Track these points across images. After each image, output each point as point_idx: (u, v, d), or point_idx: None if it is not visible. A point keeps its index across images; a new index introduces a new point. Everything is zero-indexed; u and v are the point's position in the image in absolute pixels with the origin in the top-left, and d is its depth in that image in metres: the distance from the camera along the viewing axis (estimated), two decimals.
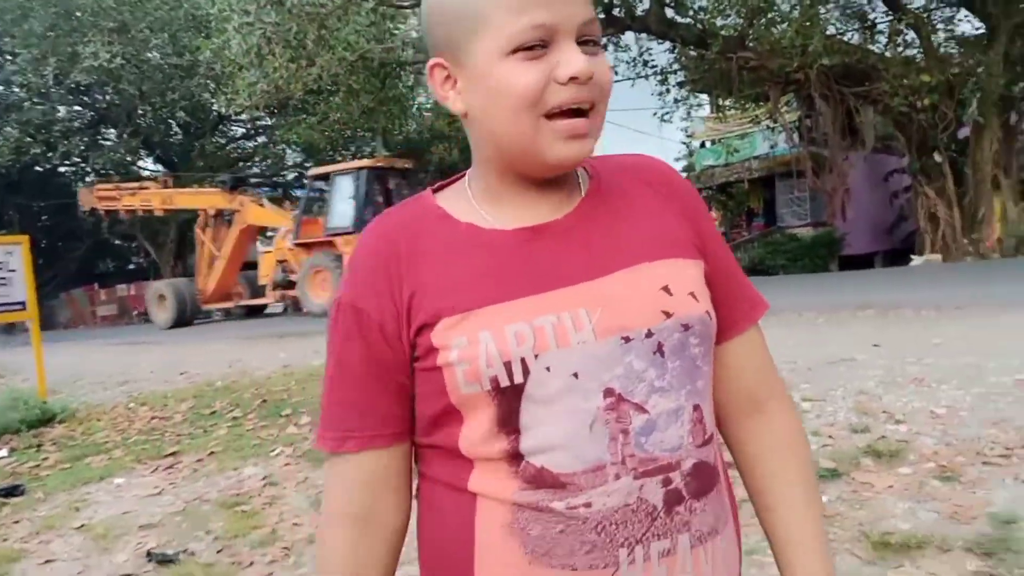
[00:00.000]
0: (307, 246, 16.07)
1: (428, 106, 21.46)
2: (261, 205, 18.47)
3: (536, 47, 0.76)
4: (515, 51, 0.76)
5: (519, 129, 0.78)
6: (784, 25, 14.23)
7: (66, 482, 4.64)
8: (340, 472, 0.87)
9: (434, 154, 28.03)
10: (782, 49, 13.61)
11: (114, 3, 20.17)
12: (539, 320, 0.78)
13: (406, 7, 14.85)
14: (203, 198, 19.09)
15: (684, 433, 0.81)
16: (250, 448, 4.91)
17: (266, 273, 17.57)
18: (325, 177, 16.46)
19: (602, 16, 14.83)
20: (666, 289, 0.83)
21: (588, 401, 0.78)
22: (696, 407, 0.83)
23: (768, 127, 18.53)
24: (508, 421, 0.78)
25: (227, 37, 14.03)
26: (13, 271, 6.70)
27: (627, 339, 0.79)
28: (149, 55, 21.09)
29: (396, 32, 15.65)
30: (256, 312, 19.02)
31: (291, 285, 16.53)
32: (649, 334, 0.80)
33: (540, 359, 0.77)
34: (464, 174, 0.91)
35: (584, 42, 0.79)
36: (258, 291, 18.43)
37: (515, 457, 0.78)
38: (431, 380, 0.81)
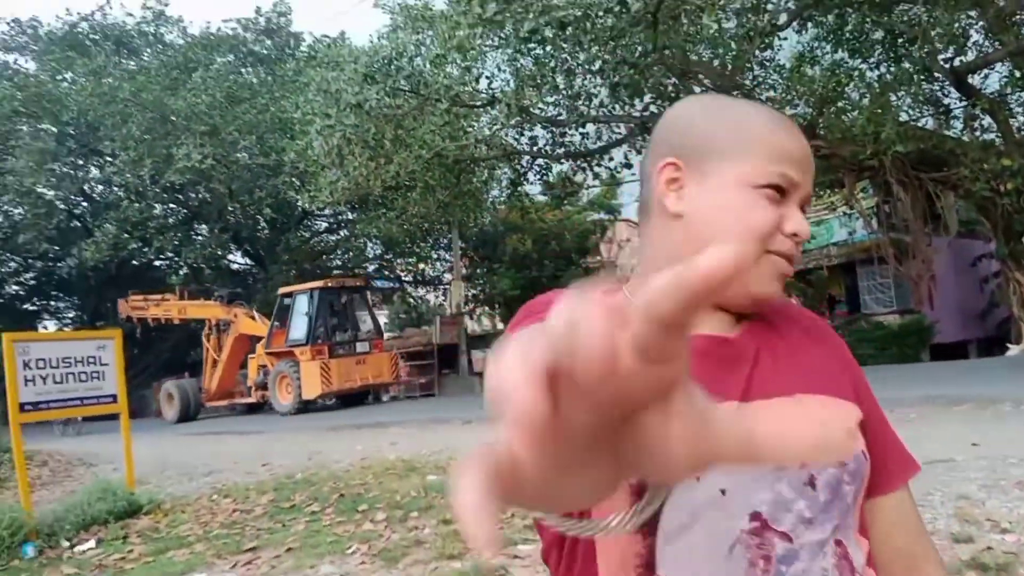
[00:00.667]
0: (277, 354, 18.56)
1: (502, 199, 21.97)
2: (252, 317, 20.62)
3: (778, 192, 0.85)
4: (763, 187, 0.84)
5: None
6: (855, 113, 14.21)
7: (149, 575, 4.77)
8: None
9: (509, 244, 28.59)
10: (854, 137, 13.56)
11: (206, 108, 21.52)
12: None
13: (478, 107, 15.44)
14: (207, 310, 21.54)
15: (828, 567, 0.78)
16: (326, 545, 4.97)
17: (252, 375, 19.88)
18: (291, 295, 19.04)
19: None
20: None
21: (732, 521, 0.76)
22: (839, 542, 0.81)
23: (845, 213, 18.30)
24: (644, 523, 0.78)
25: (310, 139, 14.80)
26: (106, 365, 6.99)
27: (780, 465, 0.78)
28: (238, 156, 22.29)
29: (469, 130, 16.24)
30: (256, 408, 20.40)
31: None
32: (803, 464, 0.80)
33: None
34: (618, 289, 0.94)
35: (803, 205, 0.88)
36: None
37: (648, 568, 0.76)
38: None
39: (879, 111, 13.45)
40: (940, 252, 16.81)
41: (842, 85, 14.28)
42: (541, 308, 0.85)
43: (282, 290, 20.09)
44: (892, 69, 15.04)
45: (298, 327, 18.40)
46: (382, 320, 41.12)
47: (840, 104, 14.47)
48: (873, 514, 0.91)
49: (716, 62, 14.86)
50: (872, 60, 15.31)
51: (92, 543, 5.80)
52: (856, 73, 14.64)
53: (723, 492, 0.77)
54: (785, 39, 15.41)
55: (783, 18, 14.31)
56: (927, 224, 16.28)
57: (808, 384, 0.86)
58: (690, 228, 0.86)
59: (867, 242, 18.12)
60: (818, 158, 14.83)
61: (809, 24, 15.11)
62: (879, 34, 15.20)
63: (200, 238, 27.47)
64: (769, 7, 13.84)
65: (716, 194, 0.85)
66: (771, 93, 15.42)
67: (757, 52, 14.73)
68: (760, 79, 15.63)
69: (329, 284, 19.21)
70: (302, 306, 18.53)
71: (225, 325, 21.12)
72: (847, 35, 15.18)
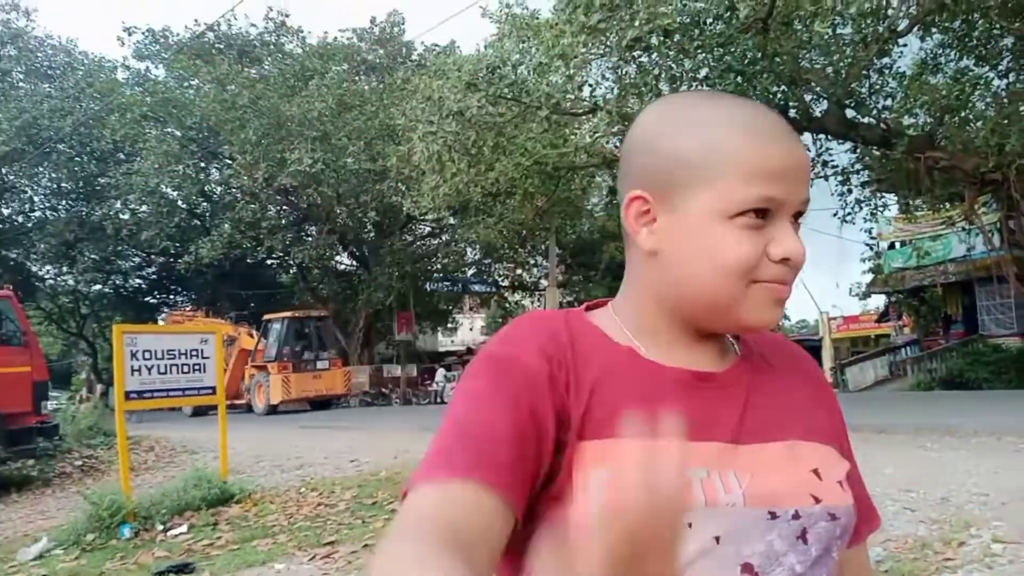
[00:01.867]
0: (258, 367, 23.60)
1: (600, 207, 21.84)
2: (251, 335, 25.30)
3: (759, 218, 0.75)
4: (737, 216, 0.75)
5: (725, 291, 0.76)
6: (978, 123, 13.42)
7: (232, 563, 4.94)
8: (433, 496, 0.68)
9: (606, 252, 28.37)
10: (976, 148, 12.80)
11: (317, 115, 22.29)
12: (689, 471, 0.72)
13: (579, 114, 15.39)
14: (218, 327, 24.21)
15: None
16: None
17: (246, 383, 24.21)
18: (270, 321, 24.28)
19: None
20: (816, 472, 0.79)
21: (723, 571, 0.73)
22: None
23: (964, 229, 17.31)
24: None
25: (412, 145, 15.09)
26: (207, 358, 7.32)
27: (774, 515, 0.75)
28: (347, 161, 22.94)
29: (570, 138, 16.22)
30: (250, 409, 23.89)
31: None
32: (796, 516, 0.76)
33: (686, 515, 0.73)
34: (606, 302, 0.89)
35: (798, 215, 0.79)
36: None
37: None
38: (553, 509, 0.73)
39: (1005, 122, 12.66)
40: None
41: (966, 94, 13.49)
42: (522, 341, 0.79)
43: (265, 317, 25.03)
44: (1021, 78, 14.13)
45: (272, 346, 23.60)
46: (479, 324, 41.65)
47: (963, 114, 13.69)
48: (842, 564, 0.85)
49: (829, 69, 14.32)
50: (1000, 68, 14.42)
51: (184, 528, 6.05)
52: (982, 81, 13.81)
53: (716, 540, 0.73)
54: (905, 45, 14.70)
55: (903, 24, 13.66)
56: None
57: (800, 428, 0.82)
58: (666, 267, 0.80)
59: (987, 259, 17.10)
60: (936, 170, 14.12)
61: (932, 30, 14.36)
62: (1008, 40, 14.30)
63: (309, 239, 28.47)
64: (890, 12, 13.24)
65: (688, 230, 0.77)
66: (888, 101, 14.73)
67: (875, 59, 14.11)
68: (877, 87, 14.97)
69: (297, 314, 24.74)
70: (276, 330, 23.88)
71: (231, 340, 23.88)
72: (974, 41, 14.35)
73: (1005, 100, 13.49)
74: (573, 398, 0.75)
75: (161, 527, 6.07)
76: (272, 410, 22.57)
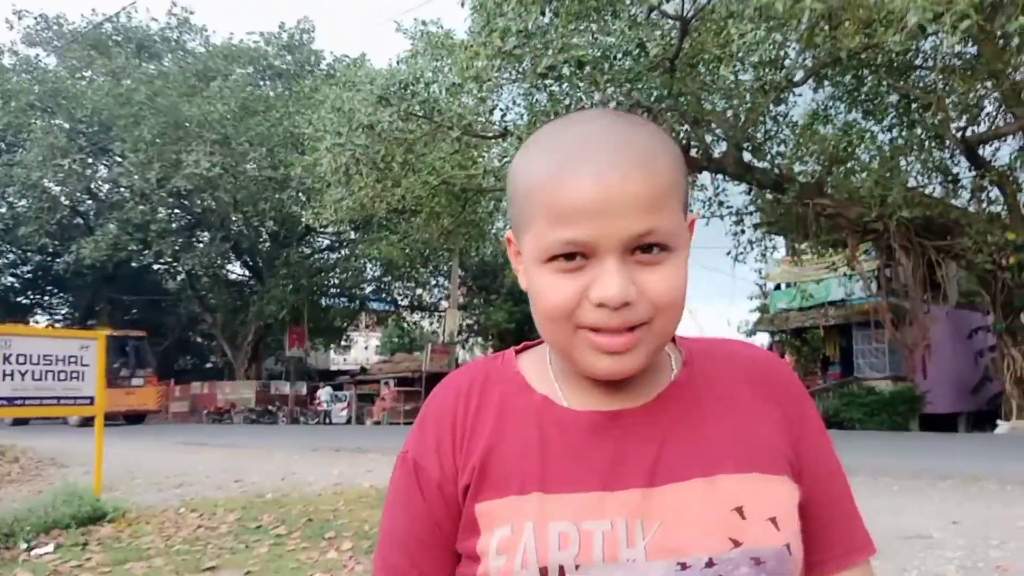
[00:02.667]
0: None
1: (504, 231, 22.01)
2: None
3: (572, 259, 0.70)
4: (549, 260, 0.71)
5: (554, 336, 0.74)
6: (863, 175, 14.22)
7: None
8: None
9: (508, 276, 28.53)
10: (861, 198, 13.56)
11: (219, 117, 21.63)
12: (589, 524, 0.70)
13: (489, 137, 15.46)
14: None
15: None
16: (288, 571, 4.81)
17: None
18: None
19: None
20: (739, 511, 0.72)
21: None
22: None
23: (846, 274, 18.26)
24: None
25: (319, 155, 14.81)
26: (87, 366, 6.87)
27: (683, 565, 0.69)
28: (246, 167, 22.37)
29: (479, 160, 16.26)
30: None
31: None
32: (710, 563, 0.70)
33: (581, 570, 0.68)
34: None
35: (645, 249, 0.70)
36: None
37: None
38: (465, 563, 0.78)
39: (888, 175, 13.48)
40: (937, 321, 16.75)
41: (853, 146, 14.33)
42: (424, 435, 0.82)
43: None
44: (904, 134, 15.10)
45: None
46: (374, 343, 41.05)
47: (849, 164, 14.51)
48: None
49: (729, 112, 14.91)
50: (885, 123, 15.36)
51: (51, 547, 5.62)
52: (868, 135, 14.69)
53: None
54: (800, 95, 15.50)
55: (799, 74, 14.39)
56: (926, 292, 16.25)
57: (732, 457, 0.75)
58: (532, 307, 0.76)
59: (865, 305, 18.07)
60: (823, 217, 14.86)
61: (825, 82, 15.18)
62: (894, 98, 15.29)
63: (200, 245, 27.49)
64: (787, 63, 13.91)
65: (528, 274, 0.75)
66: (781, 148, 15.44)
67: (771, 106, 14.79)
68: (772, 133, 15.68)
69: (116, 334, 23.54)
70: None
71: None
72: (862, 96, 15.25)
73: (888, 154, 14.35)
74: (465, 472, 0.77)
75: (25, 545, 5.60)
76: (86, 422, 21.82)
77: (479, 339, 32.96)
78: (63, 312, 35.90)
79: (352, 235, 27.33)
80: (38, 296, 35.64)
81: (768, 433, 0.78)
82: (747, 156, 15.61)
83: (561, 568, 0.68)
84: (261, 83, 27.43)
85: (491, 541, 0.72)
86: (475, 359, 0.89)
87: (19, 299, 34.64)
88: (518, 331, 29.40)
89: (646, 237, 0.69)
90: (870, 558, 0.85)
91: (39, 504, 6.25)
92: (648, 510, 0.71)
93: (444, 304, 29.55)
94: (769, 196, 16.21)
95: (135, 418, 24.46)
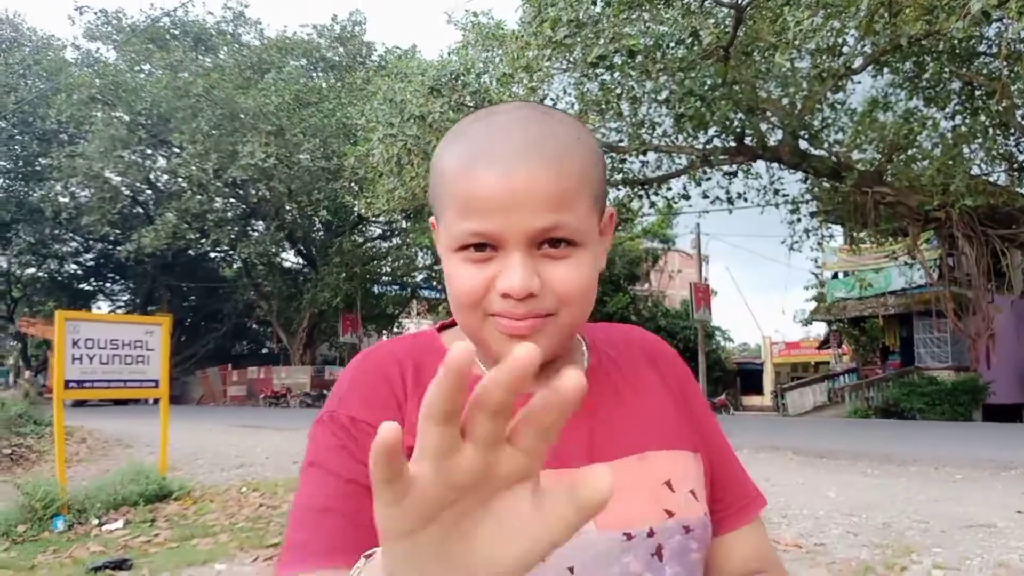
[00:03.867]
0: None
1: None
2: None
3: (481, 249, 0.72)
4: (459, 249, 0.73)
5: (466, 321, 0.76)
6: (925, 162, 13.86)
7: (171, 561, 4.77)
8: None
9: None
10: (922, 186, 13.22)
11: (274, 109, 21.96)
12: None
13: None
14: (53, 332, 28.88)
15: None
16: None
17: None
18: None
19: (733, 144, 14.93)
20: (668, 485, 0.79)
21: None
22: None
23: (906, 263, 17.85)
24: None
25: (371, 146, 14.95)
26: (152, 350, 7.09)
27: (629, 536, 0.75)
28: (300, 157, 22.67)
29: None
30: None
31: None
32: (651, 533, 0.76)
33: None
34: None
35: (552, 243, 0.72)
36: None
37: None
38: None
39: (950, 162, 13.10)
40: (1002, 311, 16.28)
41: (914, 133, 13.95)
42: (359, 382, 0.81)
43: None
44: (967, 121, 14.63)
45: None
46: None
47: (910, 152, 14.13)
48: (723, 550, 0.87)
49: (785, 100, 14.63)
50: (947, 110, 14.91)
51: (120, 523, 5.84)
52: (930, 122, 14.27)
53: (571, 571, 0.73)
54: (859, 82, 15.13)
55: (858, 61, 14.05)
56: (990, 281, 15.79)
57: (653, 436, 0.82)
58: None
59: (927, 294, 17.66)
60: (882, 205, 14.53)
61: (885, 69, 14.80)
62: (956, 84, 14.82)
63: (256, 234, 27.99)
64: (845, 50, 13.61)
65: (443, 261, 0.78)
66: (840, 136, 15.12)
67: (829, 94, 14.48)
68: (829, 121, 15.35)
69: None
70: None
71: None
72: (924, 83, 14.83)
73: (951, 142, 13.95)
74: (411, 434, 0.73)
75: (96, 521, 5.84)
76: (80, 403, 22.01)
77: None
78: (124, 299, 36.95)
79: (404, 224, 27.55)
80: (100, 283, 36.76)
81: (675, 413, 0.86)
82: (803, 144, 15.31)
83: None
84: (314, 75, 27.76)
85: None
86: (393, 337, 0.88)
87: (82, 286, 35.79)
88: None
89: (552, 232, 0.71)
90: (761, 509, 0.93)
91: (108, 482, 6.49)
92: None
93: None
94: (826, 184, 15.88)
95: (121, 402, 25.95)
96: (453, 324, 0.88)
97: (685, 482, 0.80)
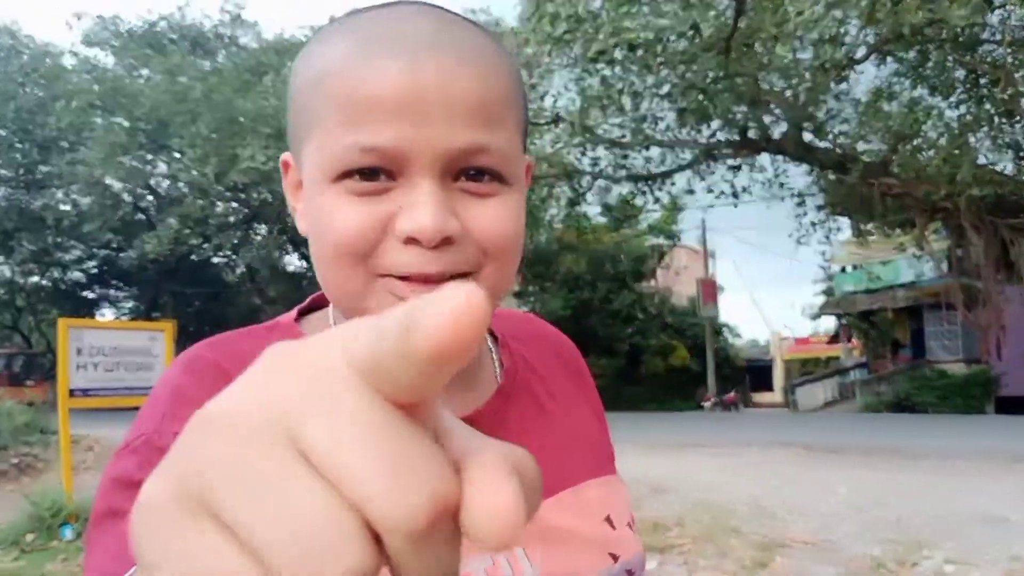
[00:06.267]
0: None
1: (559, 218, 21.87)
2: None
3: (373, 177, 0.52)
4: (340, 177, 0.52)
5: (342, 286, 0.55)
6: (931, 152, 13.71)
7: None
8: None
9: (562, 265, 28.42)
10: (929, 177, 13.08)
11: (273, 111, 21.90)
12: (465, 566, 0.55)
13: (541, 124, 15.33)
14: None
15: None
16: None
17: None
18: None
19: (736, 137, 14.79)
20: (609, 521, 0.64)
21: None
22: None
23: (914, 255, 17.72)
24: None
25: None
26: (156, 357, 7.06)
27: None
28: None
29: (531, 147, 16.15)
30: None
31: None
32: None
33: None
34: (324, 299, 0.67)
35: (473, 176, 0.53)
36: None
37: None
38: None
39: (956, 152, 12.96)
40: (1012, 302, 16.12)
41: (919, 123, 13.82)
42: (169, 396, 0.58)
43: None
44: (972, 109, 14.50)
45: None
46: None
47: (916, 142, 13.99)
48: None
49: (788, 92, 14.51)
50: (952, 99, 14.78)
51: None
52: (935, 111, 14.16)
53: None
54: (862, 72, 15.00)
55: (861, 51, 13.91)
56: (1000, 272, 15.64)
57: (584, 456, 0.66)
58: (312, 253, 0.58)
59: (936, 286, 17.52)
60: (889, 196, 14.38)
61: (888, 59, 14.66)
62: (960, 73, 14.69)
63: (258, 238, 28.00)
64: (848, 40, 13.46)
65: (305, 201, 0.57)
66: (844, 127, 14.98)
67: (832, 84, 14.34)
68: (833, 112, 15.23)
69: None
70: None
71: None
72: (927, 72, 14.69)
73: (956, 131, 13.81)
74: None
75: None
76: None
77: None
78: (128, 306, 37.00)
79: None
80: (104, 290, 36.81)
81: (597, 430, 0.71)
82: (808, 136, 15.19)
83: None
84: None
85: None
86: (228, 332, 0.66)
87: (86, 293, 35.85)
88: (574, 318, 29.29)
89: (475, 157, 0.52)
90: None
91: None
92: (527, 534, 0.57)
93: None
94: (832, 176, 15.77)
95: None
96: (316, 307, 0.68)
97: (622, 514, 0.66)
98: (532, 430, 0.64)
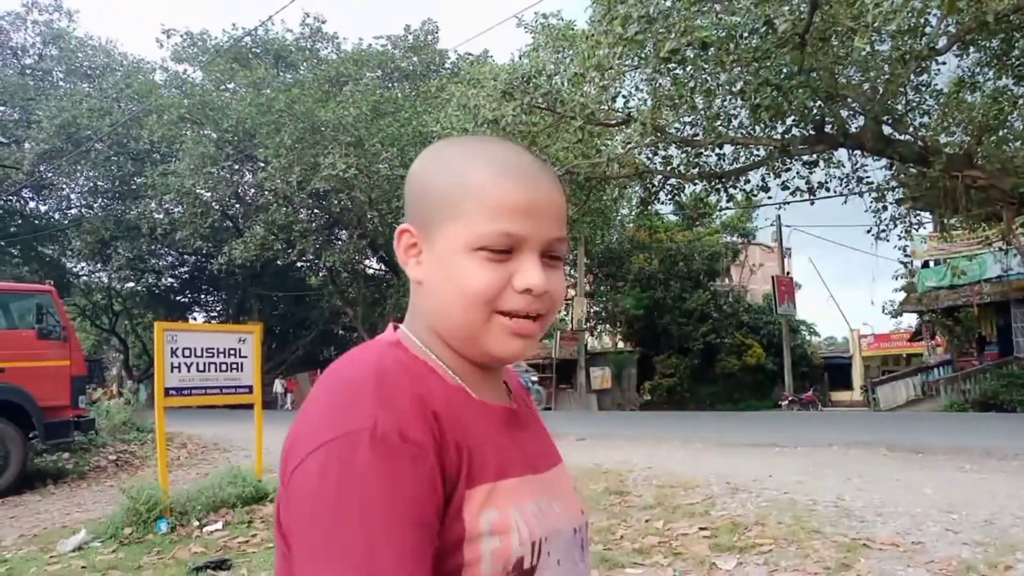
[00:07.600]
0: None
1: (631, 218, 21.84)
2: None
3: (501, 252, 0.79)
4: (480, 249, 0.79)
5: (469, 319, 0.80)
6: (1017, 143, 13.26)
7: (268, 560, 4.99)
8: None
9: (634, 263, 28.30)
10: (1015, 168, 12.65)
11: (352, 120, 22.48)
12: (541, 502, 0.82)
13: (611, 125, 15.41)
14: None
15: None
16: None
17: None
18: None
19: (812, 133, 14.57)
20: (576, 488, 0.95)
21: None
22: None
23: (1001, 249, 17.08)
24: None
25: None
26: (245, 357, 7.38)
27: (575, 531, 0.88)
28: (379, 167, 23.11)
29: (603, 148, 16.23)
30: None
31: None
32: (582, 528, 0.91)
33: (550, 540, 0.81)
34: (395, 328, 0.91)
35: (551, 256, 0.83)
36: None
37: None
38: (443, 554, 0.73)
39: None
40: None
41: (1004, 113, 13.36)
42: (396, 402, 0.74)
43: None
44: None
45: None
46: None
47: (1001, 133, 13.53)
48: None
49: (866, 85, 14.21)
50: None
51: (220, 524, 6.13)
52: (1020, 101, 13.64)
53: (559, 562, 0.83)
54: (943, 63, 14.57)
55: (942, 41, 13.54)
56: None
57: (555, 450, 0.97)
58: (428, 296, 0.84)
59: None
60: (973, 189, 13.95)
61: (971, 48, 14.21)
62: None
63: (339, 243, 28.71)
64: (928, 30, 13.13)
65: (441, 260, 0.82)
66: (925, 119, 14.59)
67: (912, 76, 13.99)
68: (914, 104, 14.84)
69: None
70: None
71: None
72: (1012, 60, 14.17)
73: None
74: (450, 451, 0.75)
75: (197, 523, 6.14)
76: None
77: (607, 326, 32.87)
78: (217, 309, 38.41)
79: None
80: (195, 295, 38.35)
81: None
82: (887, 129, 14.82)
83: (542, 540, 0.80)
84: (390, 85, 28.30)
85: (482, 525, 0.74)
86: (361, 346, 0.86)
87: (178, 298, 37.40)
88: (647, 317, 29.11)
89: (557, 244, 0.83)
90: None
91: (207, 486, 6.79)
92: (550, 491, 0.87)
93: (571, 292, 29.64)
94: (912, 170, 15.34)
95: None
96: (394, 332, 0.90)
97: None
98: (533, 423, 0.95)
